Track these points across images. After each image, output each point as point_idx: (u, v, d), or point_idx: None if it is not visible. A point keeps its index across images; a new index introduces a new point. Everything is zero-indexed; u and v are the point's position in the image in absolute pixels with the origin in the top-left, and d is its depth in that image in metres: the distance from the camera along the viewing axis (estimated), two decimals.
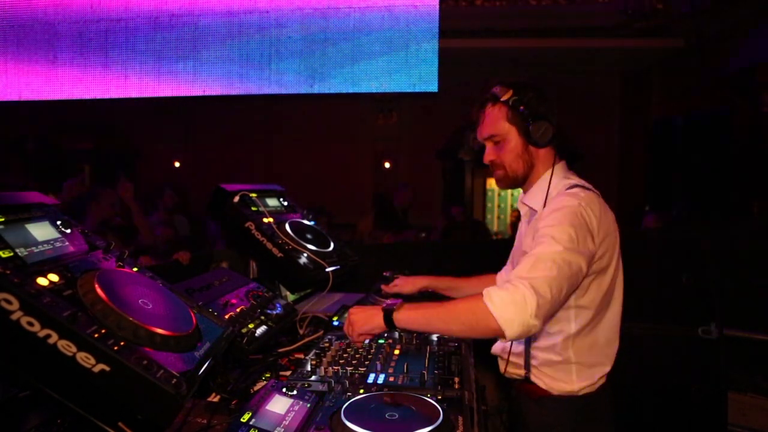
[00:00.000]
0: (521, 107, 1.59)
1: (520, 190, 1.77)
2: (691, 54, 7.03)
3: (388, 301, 1.51)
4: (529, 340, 1.67)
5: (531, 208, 1.68)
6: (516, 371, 1.73)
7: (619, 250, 1.63)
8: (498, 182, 1.73)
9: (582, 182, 1.65)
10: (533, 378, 1.67)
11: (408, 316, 1.46)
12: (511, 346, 1.72)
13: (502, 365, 1.78)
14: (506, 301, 1.33)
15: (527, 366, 1.68)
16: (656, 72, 8.30)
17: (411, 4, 4.52)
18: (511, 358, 1.72)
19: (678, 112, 6.54)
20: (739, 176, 5.76)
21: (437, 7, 4.54)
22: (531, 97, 1.61)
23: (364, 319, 1.52)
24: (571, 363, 1.61)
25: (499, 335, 1.36)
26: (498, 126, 1.64)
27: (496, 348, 1.81)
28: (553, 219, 1.49)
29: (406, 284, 2.24)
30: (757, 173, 5.87)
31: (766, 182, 5.78)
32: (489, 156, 1.70)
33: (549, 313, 1.39)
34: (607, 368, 1.67)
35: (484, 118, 1.68)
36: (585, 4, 7.71)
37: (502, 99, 1.63)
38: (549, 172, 1.66)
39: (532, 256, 1.43)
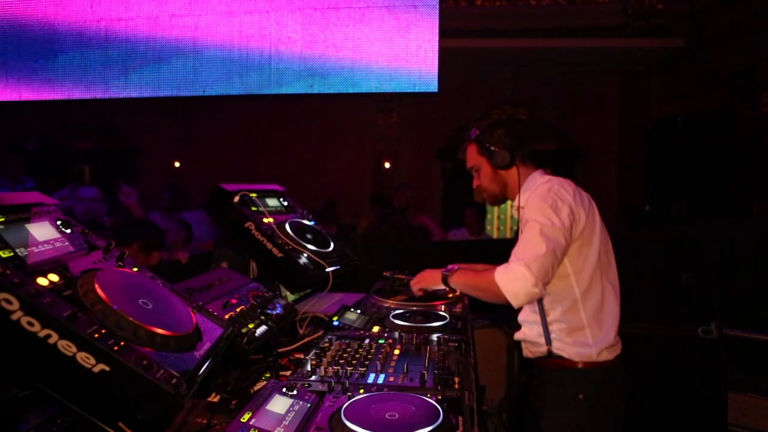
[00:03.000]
0: (486, 143, 2.04)
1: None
2: (691, 54, 7.03)
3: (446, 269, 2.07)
4: (544, 315, 1.96)
5: (520, 207, 2.03)
6: (539, 350, 2.01)
7: (601, 224, 1.98)
8: (487, 202, 2.18)
9: (557, 177, 2.01)
10: (555, 351, 1.95)
11: (456, 281, 2.02)
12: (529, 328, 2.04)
13: (525, 350, 2.09)
14: (508, 280, 1.77)
15: (548, 341, 1.96)
16: (656, 72, 8.30)
17: (411, 4, 4.52)
18: (534, 339, 2.01)
19: (678, 112, 6.54)
20: (739, 176, 5.76)
21: (437, 7, 4.53)
22: (495, 133, 2.03)
23: (429, 278, 2.15)
24: (584, 327, 1.91)
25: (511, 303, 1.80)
26: (473, 159, 2.11)
27: (519, 335, 2.10)
28: (533, 205, 1.89)
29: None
30: (757, 173, 5.87)
31: (766, 182, 5.78)
32: (474, 182, 2.14)
33: (546, 280, 1.78)
34: (616, 328, 1.96)
35: (466, 155, 2.15)
36: (585, 4, 7.71)
37: (473, 138, 2.09)
38: (530, 178, 2.04)
39: (523, 239, 1.84)
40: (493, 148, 2.03)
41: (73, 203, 5.57)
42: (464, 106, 8.31)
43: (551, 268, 1.79)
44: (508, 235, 8.66)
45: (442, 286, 2.10)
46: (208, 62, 4.79)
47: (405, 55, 4.56)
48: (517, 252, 1.82)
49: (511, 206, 2.14)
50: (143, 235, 2.94)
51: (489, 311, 2.92)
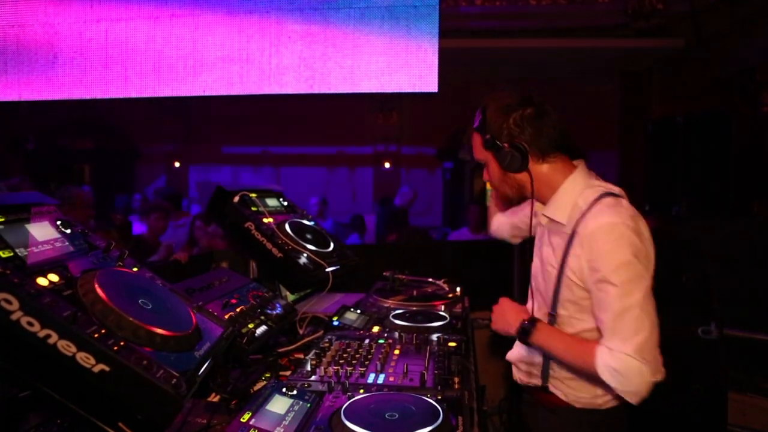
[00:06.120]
0: (490, 137, 1.57)
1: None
2: (691, 54, 7.03)
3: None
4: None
5: (554, 220, 1.60)
6: (532, 381, 1.70)
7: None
8: (501, 202, 1.74)
9: (608, 186, 1.59)
10: (552, 388, 1.64)
11: (539, 342, 1.56)
12: (527, 354, 1.67)
13: (516, 373, 1.77)
14: (623, 380, 1.38)
15: (545, 377, 1.64)
16: (656, 72, 8.29)
17: (411, 4, 4.52)
18: (528, 369, 1.70)
19: (678, 112, 6.53)
20: (739, 176, 5.75)
21: (437, 7, 4.54)
22: (503, 123, 1.55)
23: (502, 321, 1.63)
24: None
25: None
26: (478, 152, 1.65)
27: (512, 356, 1.77)
28: (611, 257, 1.42)
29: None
30: (757, 173, 5.87)
31: (766, 182, 5.78)
32: (484, 176, 1.70)
33: (661, 360, 1.44)
34: None
35: (471, 143, 1.68)
36: (585, 4, 7.71)
37: (476, 127, 1.63)
38: (568, 181, 1.58)
39: (616, 318, 1.40)
40: (499, 143, 1.55)
41: None
42: (464, 106, 8.30)
43: (658, 338, 1.43)
44: None
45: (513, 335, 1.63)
46: (208, 62, 4.79)
47: (405, 55, 4.56)
48: (615, 335, 1.40)
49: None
50: None
51: (489, 311, 2.92)
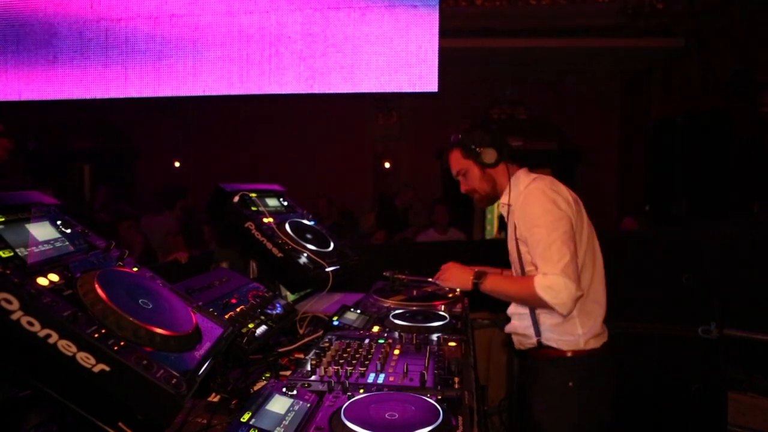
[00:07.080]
0: (470, 145, 2.07)
1: None
2: (691, 54, 7.03)
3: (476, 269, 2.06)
4: (533, 309, 1.99)
5: (507, 204, 2.09)
6: (529, 342, 2.06)
7: (587, 219, 2.03)
8: (479, 204, 2.18)
9: (540, 175, 2.07)
10: (545, 341, 2.00)
11: (489, 289, 2.01)
12: (519, 323, 2.08)
13: (516, 342, 2.14)
14: (554, 294, 1.81)
15: (537, 332, 2.01)
16: (656, 72, 8.29)
17: (411, 4, 4.53)
18: (524, 332, 2.06)
19: (678, 112, 6.53)
20: (739, 176, 5.75)
21: (437, 7, 4.54)
22: (476, 134, 2.08)
23: (457, 280, 2.11)
24: (574, 317, 1.95)
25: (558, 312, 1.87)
26: (459, 163, 2.13)
27: (509, 328, 2.14)
28: (534, 204, 1.93)
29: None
30: (757, 173, 5.87)
31: (766, 182, 5.78)
32: (463, 187, 2.16)
33: (579, 278, 1.86)
34: (603, 317, 2.02)
35: (450, 161, 2.16)
36: (585, 4, 7.71)
37: (455, 143, 2.12)
38: (515, 175, 2.09)
39: (545, 246, 1.85)
40: (477, 148, 2.06)
41: None
42: (464, 106, 8.31)
43: (577, 265, 1.87)
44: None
45: (469, 289, 2.07)
46: (208, 62, 4.79)
47: (405, 55, 4.56)
48: (546, 262, 1.84)
49: (498, 205, 2.16)
50: None
51: (489, 311, 2.92)
